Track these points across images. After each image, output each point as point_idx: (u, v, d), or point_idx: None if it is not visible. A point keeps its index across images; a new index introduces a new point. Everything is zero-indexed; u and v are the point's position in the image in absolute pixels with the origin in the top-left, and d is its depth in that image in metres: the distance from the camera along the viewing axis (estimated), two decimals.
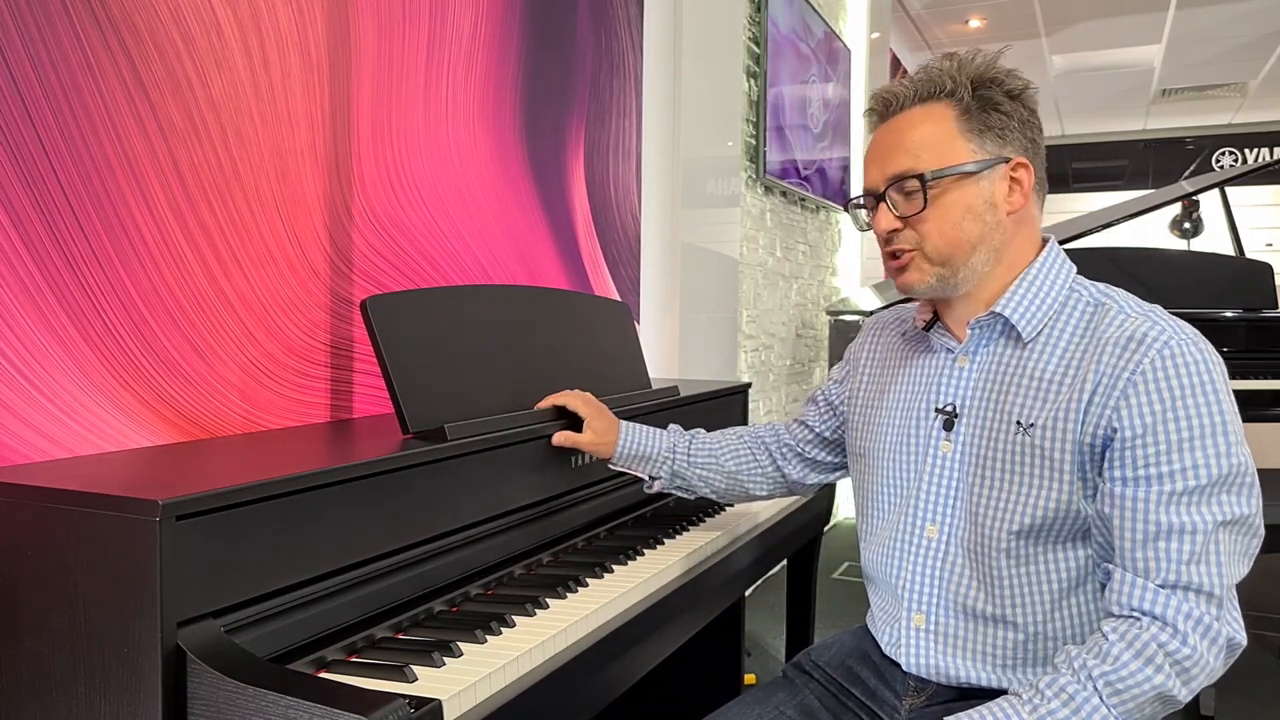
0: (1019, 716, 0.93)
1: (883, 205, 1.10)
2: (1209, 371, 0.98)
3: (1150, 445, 0.97)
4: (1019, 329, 1.08)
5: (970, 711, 0.96)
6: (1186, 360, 0.98)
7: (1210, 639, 0.94)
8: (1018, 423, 1.06)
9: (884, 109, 1.13)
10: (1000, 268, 1.10)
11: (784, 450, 1.43)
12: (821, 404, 1.40)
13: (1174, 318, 1.03)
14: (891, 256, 1.12)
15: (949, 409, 1.13)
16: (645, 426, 1.43)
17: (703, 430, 1.47)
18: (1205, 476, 0.96)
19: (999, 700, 0.96)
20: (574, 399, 1.40)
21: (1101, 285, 1.10)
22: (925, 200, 1.07)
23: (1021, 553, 1.05)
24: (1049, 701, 0.93)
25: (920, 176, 1.06)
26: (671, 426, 1.46)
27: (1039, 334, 1.08)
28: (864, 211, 1.16)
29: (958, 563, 1.10)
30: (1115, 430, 0.99)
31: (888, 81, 5.54)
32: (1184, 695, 0.94)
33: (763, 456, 1.43)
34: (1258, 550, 1.00)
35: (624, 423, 1.42)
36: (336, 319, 1.50)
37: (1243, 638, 0.96)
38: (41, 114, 1.09)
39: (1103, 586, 1.03)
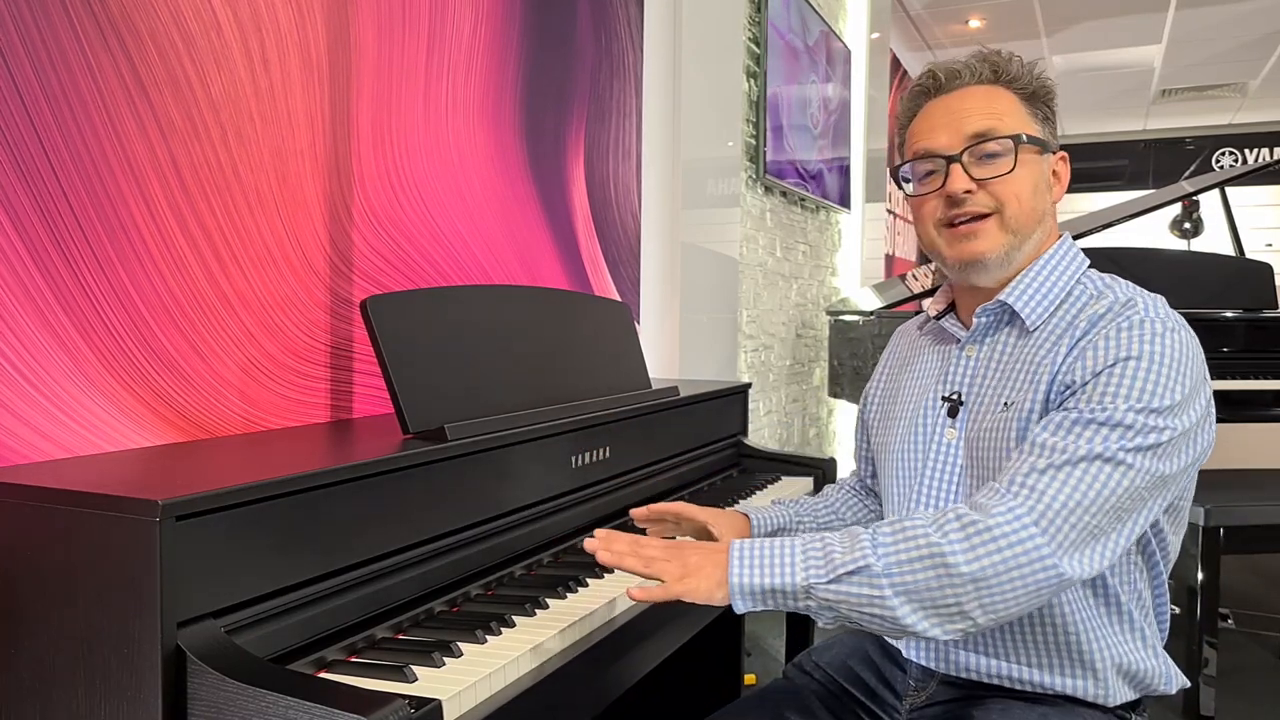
0: (791, 546, 0.94)
1: (956, 167, 1.08)
2: (1175, 345, 0.97)
3: (1084, 393, 0.97)
4: (1024, 317, 1.09)
5: (755, 541, 0.97)
6: (1155, 329, 0.97)
7: (1019, 537, 0.88)
8: (1004, 404, 1.07)
9: (946, 81, 1.12)
10: (1030, 257, 1.11)
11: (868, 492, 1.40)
12: (863, 436, 1.38)
13: (1165, 305, 1.04)
14: (958, 224, 1.09)
15: (954, 396, 1.14)
16: (759, 505, 1.33)
17: (804, 496, 1.41)
18: (1106, 416, 0.93)
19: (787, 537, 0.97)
20: (689, 509, 1.24)
21: (1108, 277, 1.11)
22: (1015, 161, 1.06)
23: None
24: (828, 537, 0.94)
25: (1015, 137, 1.07)
26: (774, 500, 1.36)
27: (1042, 323, 1.09)
28: (912, 183, 1.13)
29: None
30: (1068, 383, 1.00)
31: (888, 82, 5.49)
32: (965, 568, 0.88)
33: (870, 499, 1.39)
34: (1171, 546, 0.98)
35: (744, 505, 1.34)
36: (336, 319, 1.50)
37: (1071, 572, 0.90)
38: (41, 114, 1.09)
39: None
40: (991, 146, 1.07)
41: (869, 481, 1.39)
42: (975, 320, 1.13)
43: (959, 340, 1.16)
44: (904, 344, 1.31)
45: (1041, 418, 1.01)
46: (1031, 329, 1.09)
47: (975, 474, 1.09)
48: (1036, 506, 0.90)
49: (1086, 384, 0.97)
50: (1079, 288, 1.09)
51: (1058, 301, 1.09)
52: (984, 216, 1.08)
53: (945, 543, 0.89)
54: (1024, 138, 1.07)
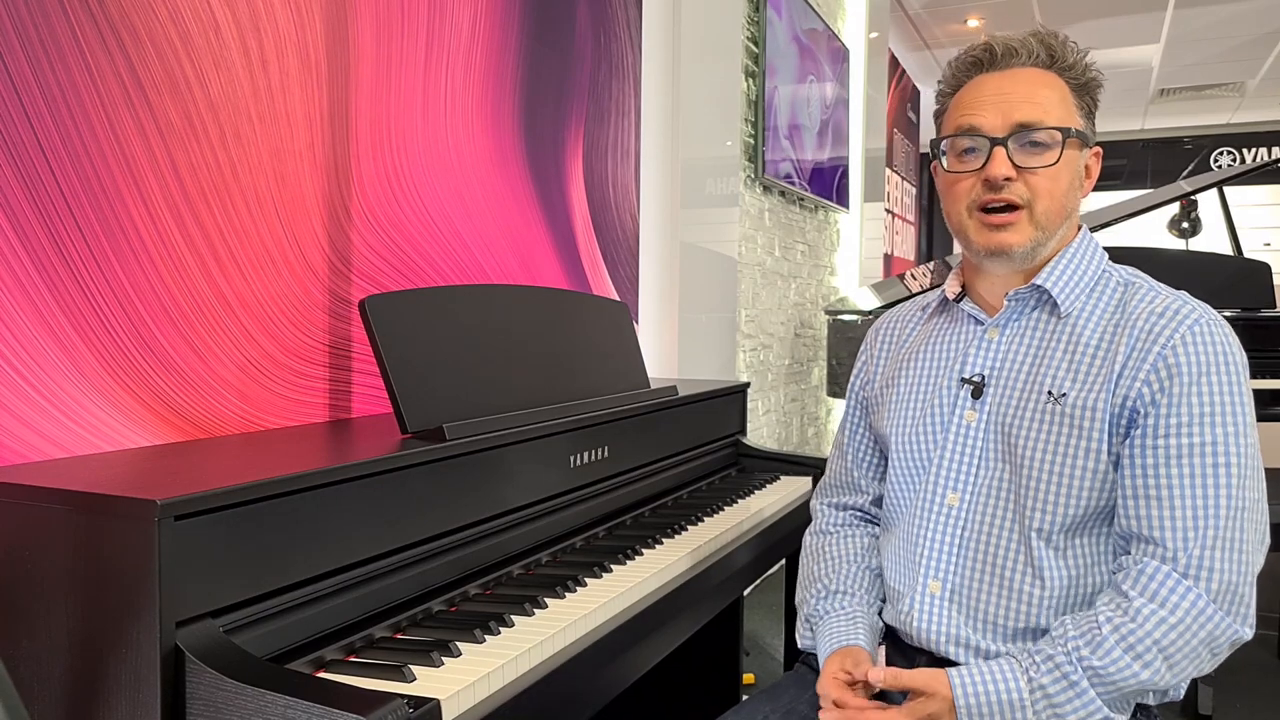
0: (1015, 678, 0.98)
1: (1000, 151, 1.06)
2: (1234, 350, 1.02)
3: (1174, 417, 1.00)
4: (1059, 302, 1.10)
5: (971, 667, 1.01)
6: (1214, 336, 1.02)
7: (1211, 635, 0.96)
8: (1049, 393, 1.07)
9: (1001, 57, 1.10)
10: (1054, 250, 1.12)
11: (860, 506, 1.33)
12: (856, 409, 1.33)
13: (1200, 300, 1.07)
14: (992, 211, 1.08)
15: (977, 379, 1.14)
16: (840, 627, 1.19)
17: (844, 578, 1.26)
18: (1231, 454, 0.99)
19: (999, 660, 1.01)
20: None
21: (1129, 268, 1.14)
22: (1060, 155, 1.06)
23: (1045, 522, 1.06)
24: (1043, 675, 0.98)
25: (1064, 130, 1.06)
26: (845, 614, 1.21)
27: (1074, 308, 1.10)
28: (948, 156, 1.11)
29: (980, 529, 1.11)
30: (1142, 400, 1.02)
31: (886, 81, 5.46)
32: (1169, 680, 0.97)
33: (871, 525, 1.32)
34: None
35: (833, 636, 1.19)
36: (335, 319, 1.50)
37: (1248, 633, 0.98)
38: (39, 115, 1.09)
39: (1115, 552, 1.06)
40: (1039, 136, 1.06)
41: (866, 492, 1.32)
42: (1006, 303, 1.13)
43: (980, 322, 1.16)
44: (901, 329, 1.30)
45: (1106, 419, 1.03)
46: (1064, 314, 1.10)
47: (1006, 459, 1.09)
48: (1225, 593, 0.97)
49: (1179, 408, 1.00)
50: (1105, 275, 1.12)
51: (1089, 287, 1.11)
52: (1016, 209, 1.07)
53: (1149, 676, 0.96)
54: (1072, 131, 1.07)
